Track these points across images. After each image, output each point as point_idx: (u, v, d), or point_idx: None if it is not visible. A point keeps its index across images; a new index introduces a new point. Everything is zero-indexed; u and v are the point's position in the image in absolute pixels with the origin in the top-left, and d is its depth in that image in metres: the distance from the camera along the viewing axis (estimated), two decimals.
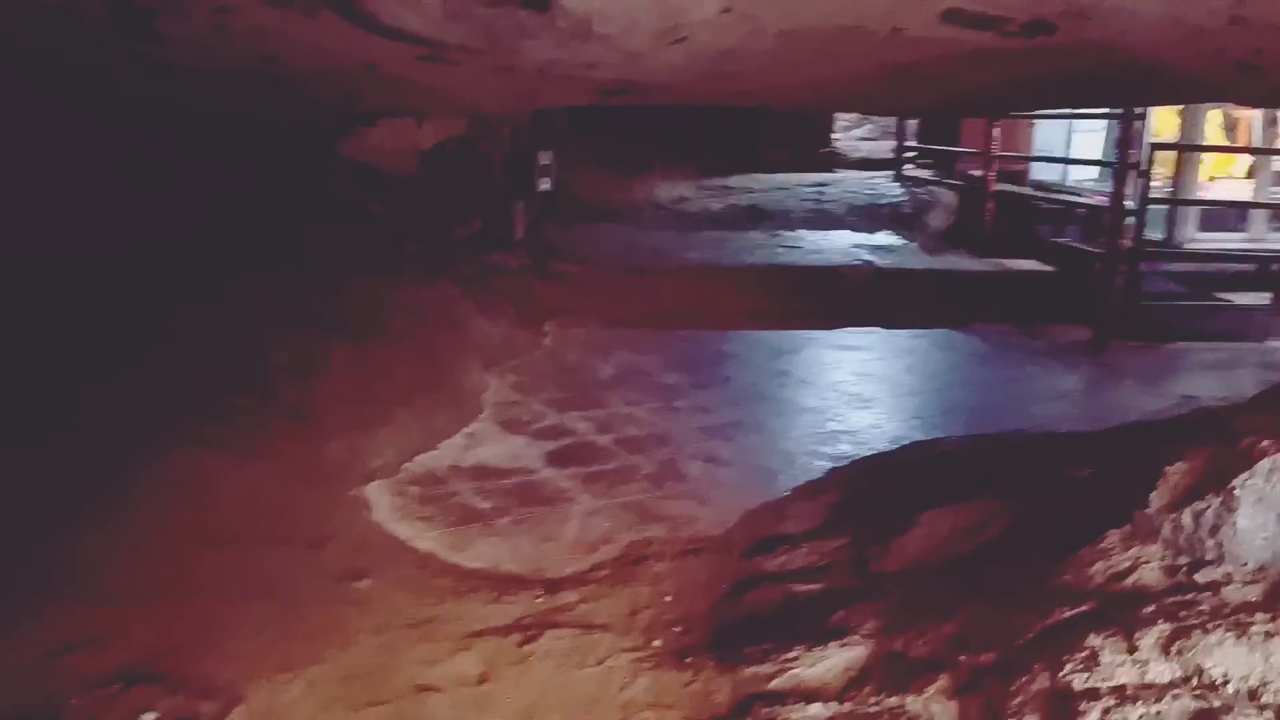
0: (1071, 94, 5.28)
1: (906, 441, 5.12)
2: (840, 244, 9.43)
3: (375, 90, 5.88)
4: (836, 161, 13.10)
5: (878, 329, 7.61)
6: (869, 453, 4.99)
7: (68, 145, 5.83)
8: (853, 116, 15.00)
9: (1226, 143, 10.71)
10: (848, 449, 5.04)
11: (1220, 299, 7.85)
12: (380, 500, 4.22)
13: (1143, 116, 7.21)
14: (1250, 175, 9.84)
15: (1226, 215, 8.75)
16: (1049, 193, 9.53)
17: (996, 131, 9.05)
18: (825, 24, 3.82)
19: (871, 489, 4.39)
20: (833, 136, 13.98)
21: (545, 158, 8.06)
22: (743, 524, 4.15)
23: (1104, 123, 10.54)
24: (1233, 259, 8.04)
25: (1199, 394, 6.05)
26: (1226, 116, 10.66)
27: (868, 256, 8.80)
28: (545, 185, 8.09)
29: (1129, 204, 7.28)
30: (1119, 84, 4.71)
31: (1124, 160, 7.09)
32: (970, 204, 9.80)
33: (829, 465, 4.80)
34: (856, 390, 6.04)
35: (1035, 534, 3.07)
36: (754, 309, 7.93)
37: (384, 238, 7.61)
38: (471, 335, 6.51)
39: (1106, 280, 7.23)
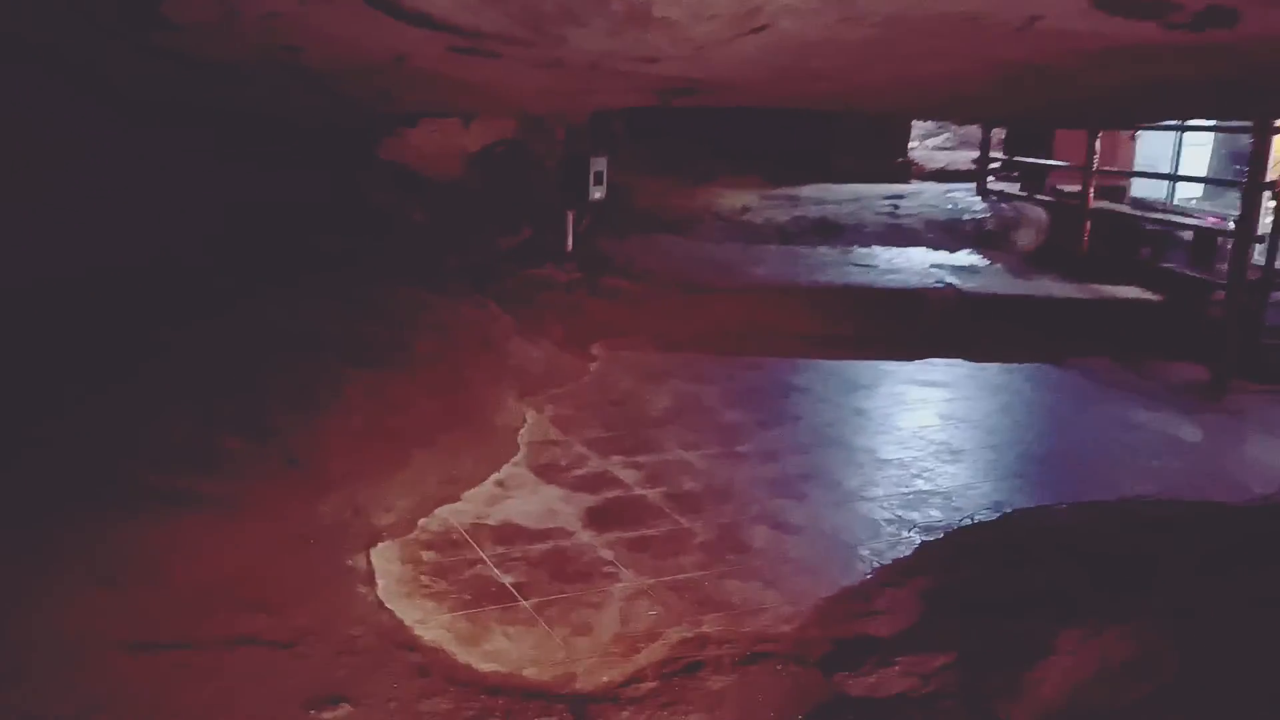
0: (1214, 102, 4.44)
1: (1009, 508, 4.31)
2: (918, 263, 8.59)
3: (409, 87, 5.20)
4: (912, 172, 12.23)
5: (963, 362, 6.76)
6: (965, 520, 4.19)
7: (75, 145, 5.23)
8: (929, 124, 14.09)
9: None
10: (939, 515, 4.24)
11: None
12: (387, 569, 3.51)
13: (1277, 130, 6.30)
14: None
15: None
16: (1153, 212, 8.60)
17: (1099, 144, 8.14)
18: (942, 11, 3.05)
19: (976, 576, 3.59)
20: (908, 146, 13.11)
21: (600, 164, 7.33)
22: (819, 616, 3.38)
23: (1211, 135, 9.60)
24: None
25: None
26: None
27: (950, 278, 7.95)
28: (599, 193, 7.36)
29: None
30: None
31: (1256, 179, 6.18)
32: (1063, 222, 8.88)
33: (919, 538, 4.00)
34: (944, 438, 5.22)
35: (1228, 687, 2.26)
36: (825, 334, 7.13)
37: (423, 248, 6.94)
38: (510, 359, 5.80)
39: (1230, 314, 6.32)
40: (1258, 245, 6.58)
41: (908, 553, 3.88)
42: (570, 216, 7.46)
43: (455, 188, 7.39)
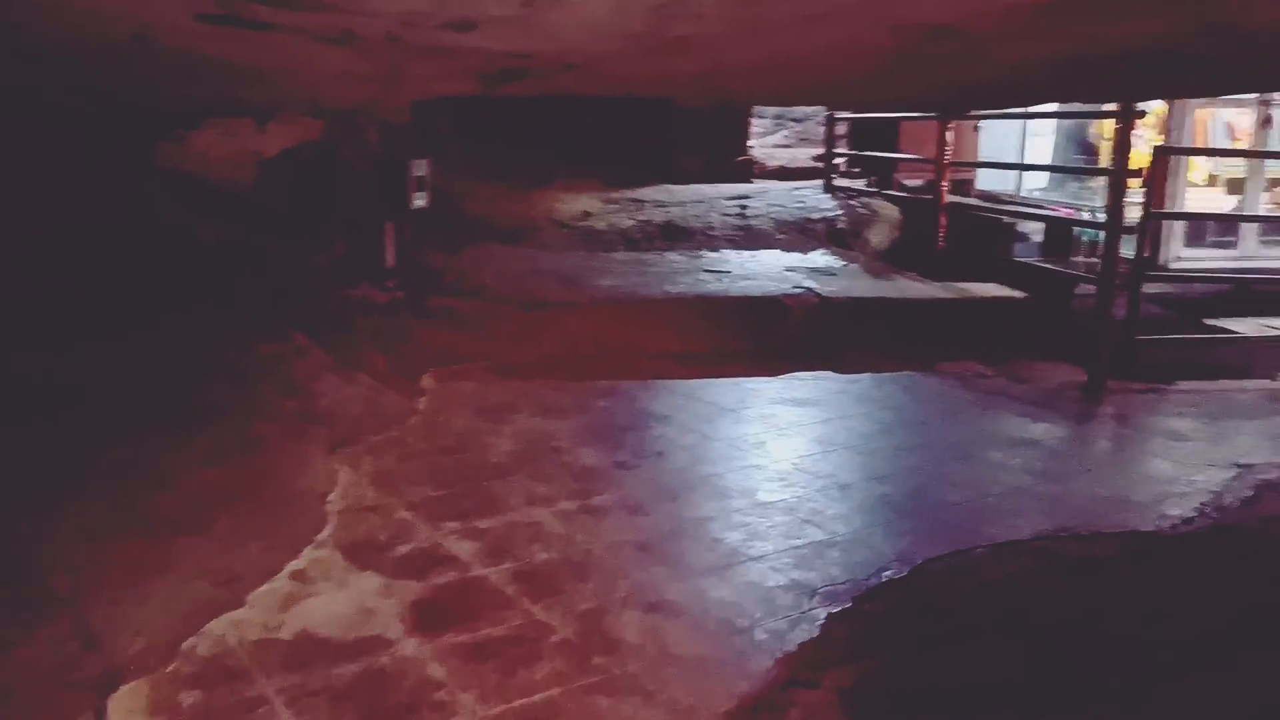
0: (1122, 80, 3.84)
1: (918, 558, 3.59)
2: (773, 267, 7.93)
3: (173, 76, 4.12)
4: (753, 171, 11.65)
5: (831, 374, 6.09)
6: (873, 579, 3.44)
7: None
8: (767, 121, 13.58)
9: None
10: (840, 575, 3.48)
11: (1224, 330, 6.57)
12: None
13: (1140, 114, 5.85)
14: (1210, 184, 8.69)
15: (1204, 230, 7.51)
16: (1005, 205, 8.20)
17: (950, 135, 7.65)
18: None
19: (903, 661, 2.83)
20: (748, 145, 12.54)
21: (421, 167, 6.34)
22: None
23: (1053, 124, 9.32)
24: (1233, 281, 6.77)
25: (1251, 458, 4.67)
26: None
27: (808, 282, 7.31)
28: (421, 201, 6.37)
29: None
30: (1218, 63, 3.27)
31: (1122, 166, 5.71)
32: (917, 219, 8.40)
33: (823, 610, 3.22)
34: (828, 469, 4.50)
35: None
36: (683, 350, 6.35)
37: (214, 271, 5.80)
38: (319, 402, 4.78)
39: (1103, 311, 5.84)
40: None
41: (814, 632, 3.09)
42: (390, 228, 6.44)
43: (252, 200, 6.27)
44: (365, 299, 6.33)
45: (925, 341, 6.71)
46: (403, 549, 3.57)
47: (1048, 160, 9.53)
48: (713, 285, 7.23)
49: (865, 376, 6.09)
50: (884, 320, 6.82)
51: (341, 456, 4.38)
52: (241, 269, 5.98)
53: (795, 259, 8.24)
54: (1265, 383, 6.17)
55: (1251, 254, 7.04)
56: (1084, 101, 5.45)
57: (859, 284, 7.35)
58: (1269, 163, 7.60)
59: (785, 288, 7.12)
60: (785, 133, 13.45)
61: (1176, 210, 6.68)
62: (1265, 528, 3.68)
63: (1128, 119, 5.69)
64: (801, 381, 5.94)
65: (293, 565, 3.40)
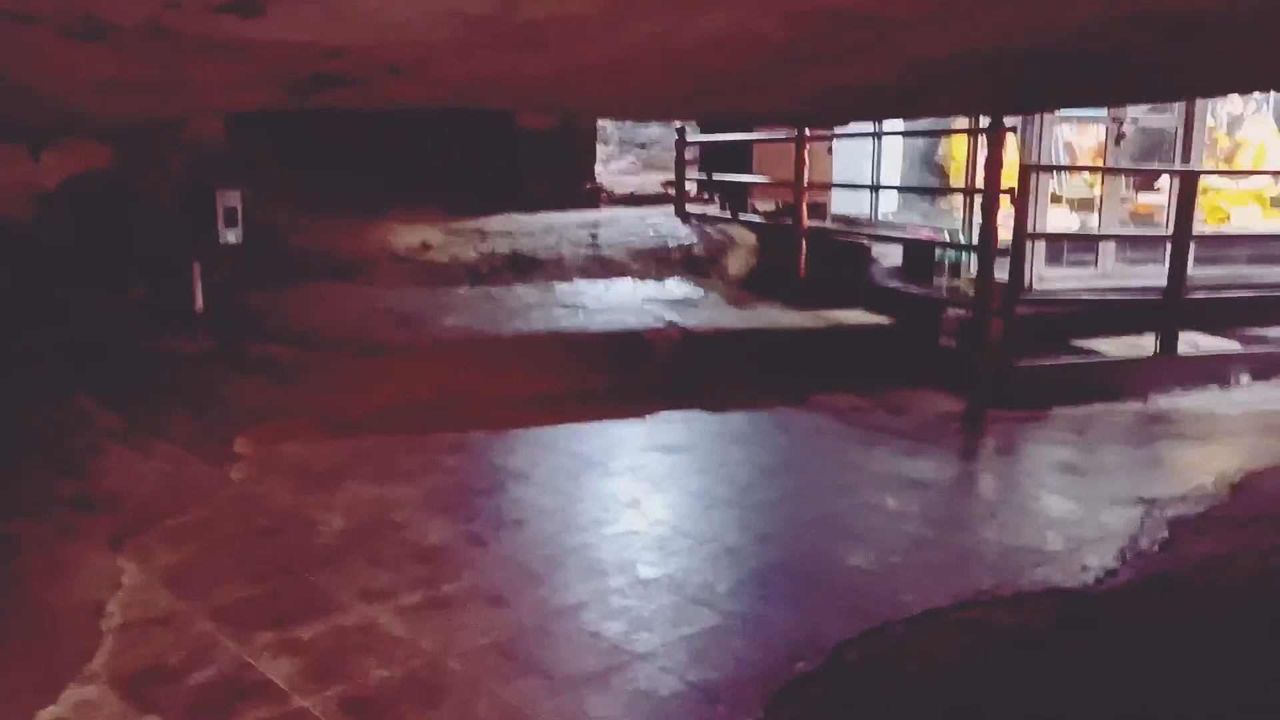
0: (1039, 84, 3.42)
1: (833, 641, 3.02)
2: (629, 298, 7.37)
3: None
4: (601, 199, 11.12)
5: (702, 414, 5.55)
6: (783, 671, 2.86)
7: None
8: (611, 148, 13.11)
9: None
10: (744, 670, 2.89)
11: (1092, 351, 6.36)
12: None
13: (1011, 130, 5.57)
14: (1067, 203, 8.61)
15: (1060, 250, 7.35)
16: (863, 228, 7.88)
17: (806, 155, 7.27)
18: None
19: None
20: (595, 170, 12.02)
21: (232, 199, 5.50)
22: None
23: (900, 143, 9.13)
24: (1108, 302, 6.58)
25: (1151, 491, 4.34)
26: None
27: (669, 314, 6.77)
28: (233, 236, 5.52)
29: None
30: (1132, 64, 2.86)
31: (995, 185, 5.40)
32: (775, 244, 7.99)
33: None
34: (712, 530, 3.92)
35: None
36: (541, 393, 5.69)
37: None
38: (104, 482, 3.91)
39: (981, 338, 5.50)
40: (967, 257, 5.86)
41: None
42: (198, 268, 5.56)
43: (29, 237, 5.29)
44: (170, 350, 5.42)
45: (797, 373, 6.26)
46: (200, 676, 2.78)
47: (897, 180, 9.32)
48: (568, 320, 6.60)
49: (738, 414, 5.58)
50: (752, 352, 6.34)
51: (129, 550, 3.53)
52: (17, 319, 5.01)
53: (653, 289, 7.70)
54: (1137, 405, 5.96)
55: (1110, 273, 6.91)
56: (975, 114, 5.09)
57: (722, 314, 6.87)
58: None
59: (647, 321, 6.56)
60: (631, 158, 13.03)
61: (1039, 231, 6.46)
62: (1201, 580, 3.29)
63: (998, 136, 5.38)
64: (671, 424, 5.36)
65: (49, 713, 2.57)
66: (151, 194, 5.66)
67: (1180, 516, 4.02)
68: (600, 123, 13.19)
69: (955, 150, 9.07)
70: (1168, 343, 5.93)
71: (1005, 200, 5.56)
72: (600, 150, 12.98)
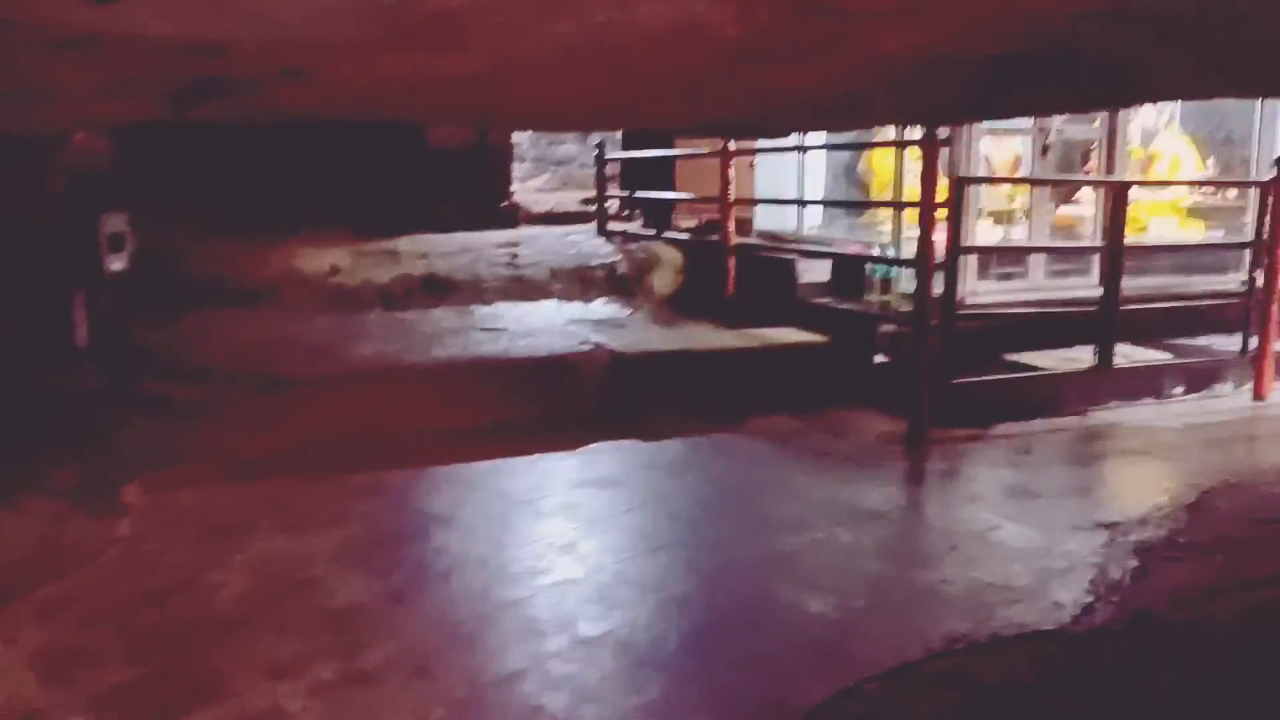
0: (989, 89, 3.17)
1: (798, 710, 2.71)
2: (554, 320, 7.01)
3: None
4: (519, 217, 10.75)
5: (636, 443, 5.23)
6: None
7: None
8: (527, 165, 12.75)
9: None
10: None
11: (1027, 366, 6.21)
12: None
13: (945, 142, 5.38)
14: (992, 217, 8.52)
15: (989, 263, 7.22)
16: (791, 244, 7.66)
17: (731, 171, 7.02)
18: None
19: None
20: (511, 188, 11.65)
21: (118, 222, 5.00)
22: None
23: (824, 156, 8.96)
24: (1041, 315, 6.44)
25: (1108, 514, 4.15)
26: None
27: (595, 336, 6.43)
28: (119, 262, 5.02)
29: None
30: (1093, 67, 2.63)
31: (929, 197, 5.20)
32: (701, 262, 7.72)
33: None
34: (656, 575, 3.58)
35: None
36: (463, 426, 5.30)
37: None
38: None
39: (920, 355, 5.28)
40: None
41: None
42: (80, 298, 5.03)
43: None
44: (50, 389, 4.89)
45: (731, 395, 5.98)
46: None
47: (819, 194, 9.14)
48: (490, 346, 6.21)
49: (674, 442, 5.26)
50: (685, 374, 6.04)
51: None
52: None
53: (576, 310, 7.36)
54: (1076, 419, 5.82)
55: (1040, 285, 6.79)
56: (921, 122, 4.87)
57: (651, 335, 6.56)
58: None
59: (572, 344, 6.21)
60: (548, 175, 12.69)
61: (971, 244, 6.28)
62: (1184, 618, 3.07)
63: (932, 148, 5.18)
64: (605, 455, 5.02)
65: None
66: (28, 218, 5.11)
67: (1145, 542, 3.82)
68: (515, 139, 12.84)
69: (877, 164, 8.93)
70: (1104, 356, 5.80)
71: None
72: (516, 168, 12.62)
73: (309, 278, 7.57)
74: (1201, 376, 6.33)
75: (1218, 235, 8.62)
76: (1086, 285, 7.02)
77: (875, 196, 8.85)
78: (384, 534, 3.98)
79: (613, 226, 8.91)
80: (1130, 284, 6.98)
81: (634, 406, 5.77)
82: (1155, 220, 8.49)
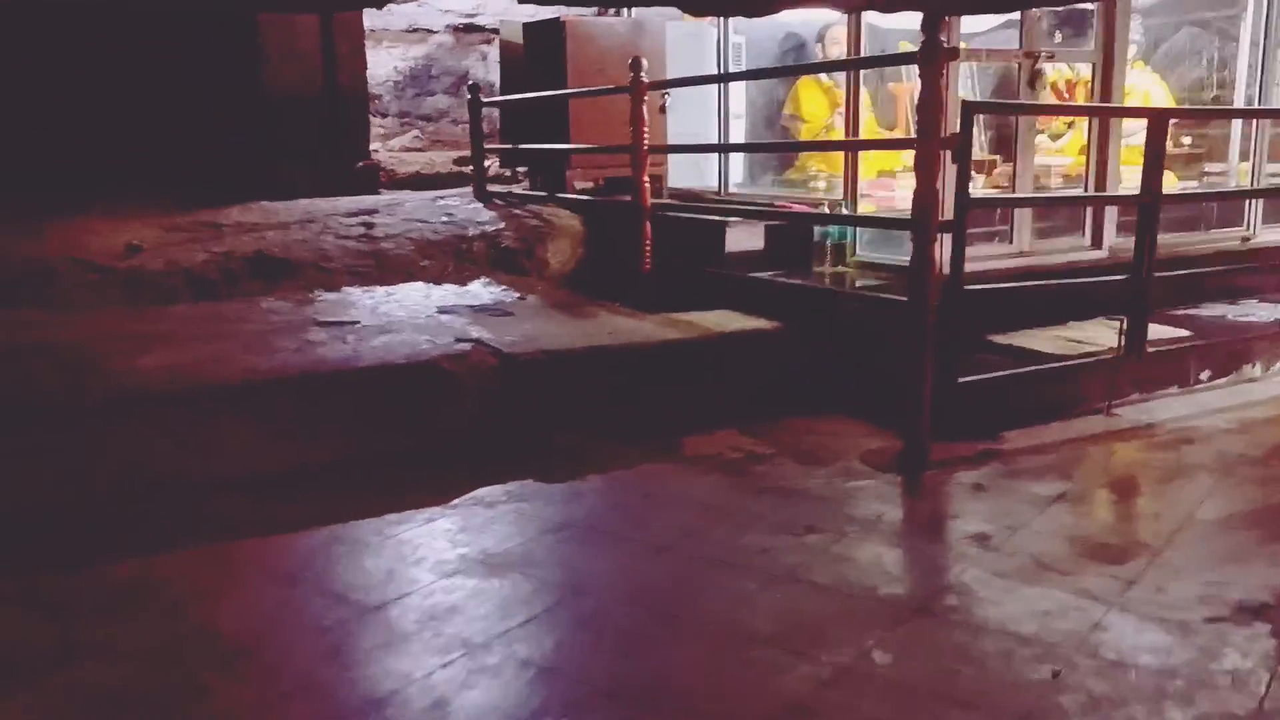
0: None
1: None
2: (421, 308, 5.36)
3: None
4: (382, 180, 9.00)
5: (534, 485, 3.69)
6: None
7: None
8: (391, 121, 10.92)
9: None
10: None
11: (1023, 349, 4.87)
12: None
13: (953, 54, 3.91)
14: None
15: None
16: (718, 204, 6.17)
17: (644, 110, 5.45)
18: None
19: None
20: (371, 148, 9.84)
21: None
22: None
23: (744, 100, 7.50)
24: (1060, 287, 5.09)
25: (1249, 588, 2.79)
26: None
27: (475, 330, 4.81)
28: None
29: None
30: None
31: (932, 130, 3.73)
32: (606, 229, 6.17)
33: None
34: None
35: None
36: (287, 467, 3.66)
37: None
38: None
39: (920, 350, 3.85)
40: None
41: None
42: None
43: None
44: None
45: (660, 406, 4.48)
46: None
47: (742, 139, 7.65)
48: (333, 348, 4.52)
49: (588, 484, 3.74)
50: (597, 380, 4.49)
51: None
52: None
53: (450, 294, 5.71)
54: (1100, 421, 4.51)
55: (1029, 248, 5.47)
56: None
57: (549, 327, 4.96)
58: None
59: (446, 342, 4.57)
60: (415, 133, 10.89)
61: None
62: None
63: (934, 62, 3.71)
64: (492, 511, 3.46)
65: None
66: None
67: None
68: (376, 92, 10.99)
69: (806, 108, 7.50)
70: (1136, 338, 4.48)
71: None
72: (378, 124, 10.80)
73: (99, 261, 5.73)
74: (1234, 357, 5.10)
75: (1191, 186, 7.51)
76: (1078, 246, 5.74)
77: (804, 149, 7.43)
78: (130, 692, 2.33)
79: (495, 188, 7.26)
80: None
81: (531, 428, 4.21)
82: (1129, 170, 7.30)
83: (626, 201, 5.62)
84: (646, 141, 5.43)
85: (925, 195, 3.80)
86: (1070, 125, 7.94)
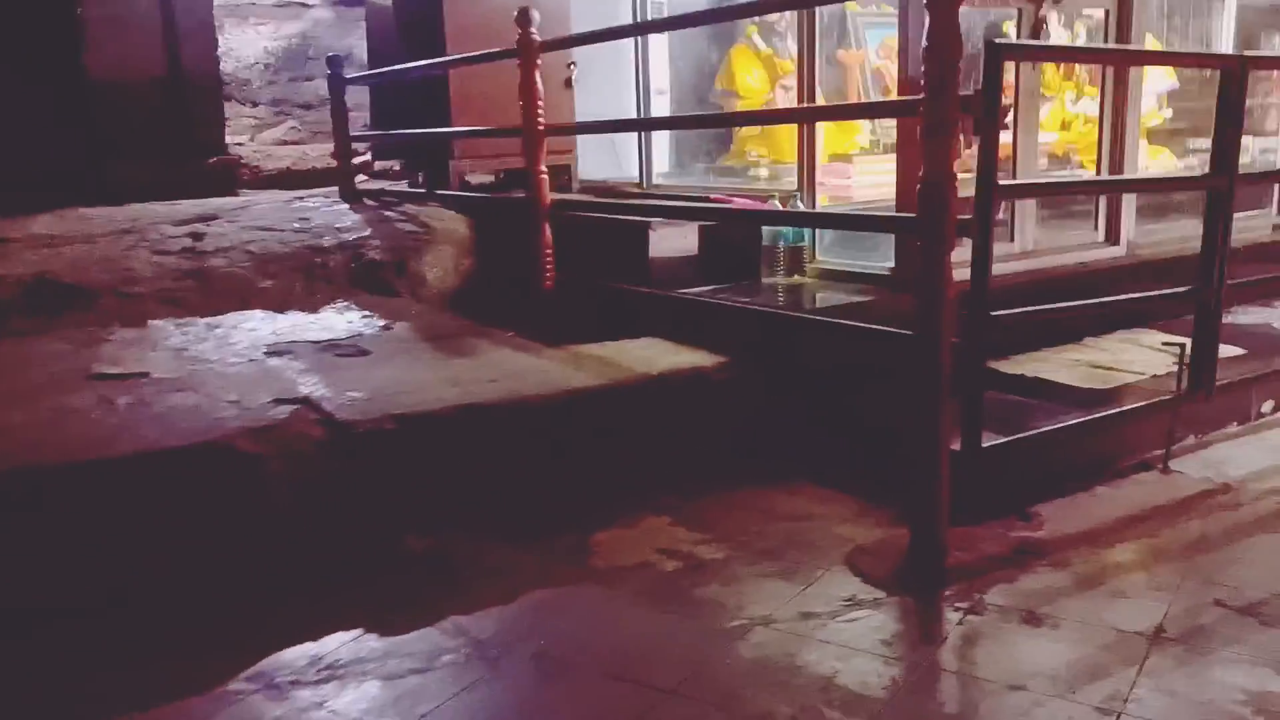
0: None
1: None
2: (244, 350, 3.96)
3: None
4: (241, 178, 7.54)
5: (356, 640, 2.36)
6: None
7: None
8: (264, 109, 9.40)
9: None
10: None
11: (1043, 383, 3.67)
12: None
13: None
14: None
15: None
16: (629, 199, 4.90)
17: (538, 81, 4.11)
18: None
19: None
20: (235, 141, 8.37)
21: None
22: None
23: (669, 78, 6.22)
24: (1116, 304, 3.87)
25: None
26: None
27: (307, 384, 3.45)
28: None
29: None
30: None
31: (947, 91, 2.49)
32: (502, 234, 4.84)
33: None
34: None
35: None
36: None
37: None
38: None
39: (930, 403, 2.61)
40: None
41: None
42: None
43: None
44: None
45: (563, 482, 3.18)
46: None
47: (663, 136, 6.35)
48: (93, 420, 3.12)
49: (447, 641, 2.42)
50: (472, 452, 3.16)
51: None
52: None
53: (292, 325, 4.32)
54: (1157, 480, 3.33)
55: (1034, 247, 4.29)
56: None
57: (412, 373, 3.62)
58: None
59: (258, 406, 3.20)
60: (293, 123, 9.38)
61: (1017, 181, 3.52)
62: None
63: (939, 18, 2.46)
64: (318, 695, 2.12)
65: None
66: None
67: None
68: (245, 76, 9.48)
69: (741, 78, 6.24)
70: (1203, 367, 3.29)
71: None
72: (249, 113, 9.32)
73: None
74: None
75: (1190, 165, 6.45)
76: (1090, 242, 4.58)
77: (741, 124, 6.17)
78: None
79: (366, 185, 5.88)
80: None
81: (375, 527, 2.88)
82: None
83: (520, 199, 4.29)
84: (542, 121, 4.10)
85: (937, 181, 2.55)
86: (1045, 98, 6.82)
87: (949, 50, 2.49)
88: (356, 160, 6.40)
